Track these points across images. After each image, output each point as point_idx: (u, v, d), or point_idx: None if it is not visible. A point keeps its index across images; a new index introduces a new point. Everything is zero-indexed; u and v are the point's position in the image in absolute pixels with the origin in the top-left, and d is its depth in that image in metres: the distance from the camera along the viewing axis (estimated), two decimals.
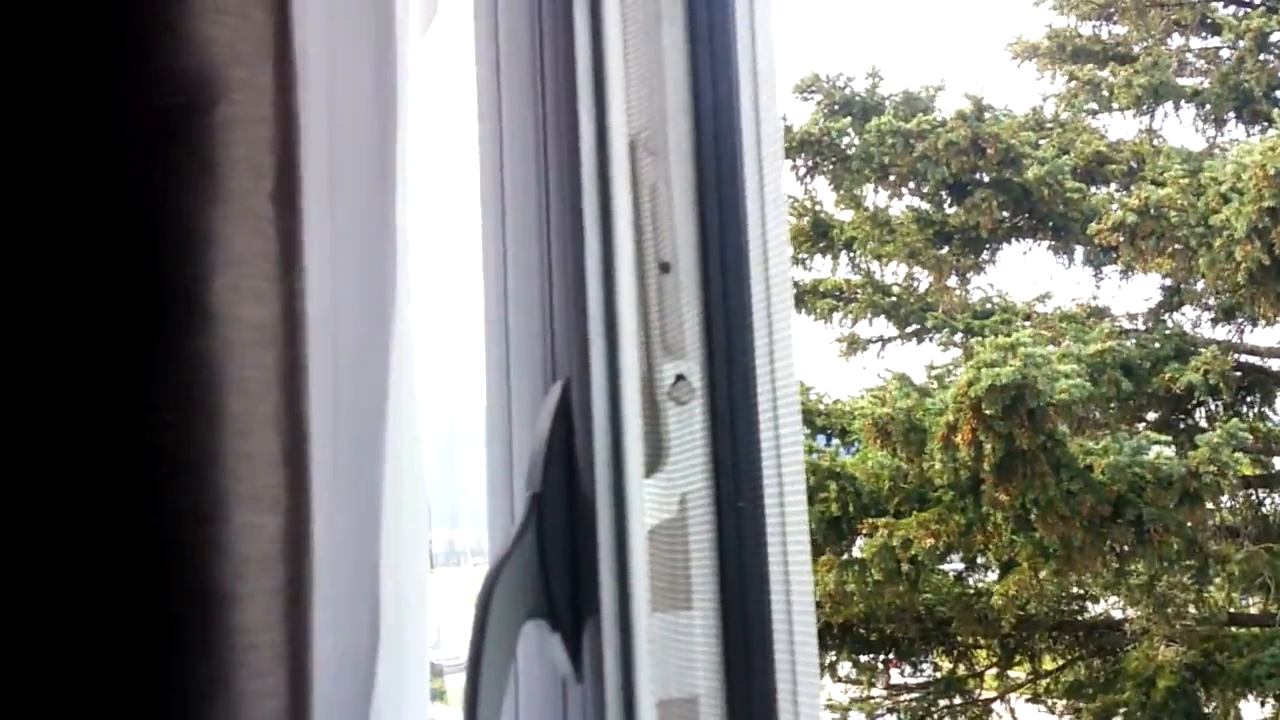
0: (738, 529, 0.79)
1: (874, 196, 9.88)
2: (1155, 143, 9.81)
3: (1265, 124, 9.29)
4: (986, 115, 9.35)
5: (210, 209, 0.63)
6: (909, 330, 9.94)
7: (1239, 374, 9.17)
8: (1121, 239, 8.63)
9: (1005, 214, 9.44)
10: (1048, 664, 9.93)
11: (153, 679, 0.58)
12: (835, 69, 9.76)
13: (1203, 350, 8.72)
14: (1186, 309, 9.73)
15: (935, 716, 9.99)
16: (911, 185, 9.58)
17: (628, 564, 0.75)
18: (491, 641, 0.72)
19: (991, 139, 9.05)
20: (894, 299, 9.92)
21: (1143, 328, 9.56)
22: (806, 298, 9.90)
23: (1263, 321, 9.09)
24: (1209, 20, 10.14)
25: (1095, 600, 9.85)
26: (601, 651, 0.75)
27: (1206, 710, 8.73)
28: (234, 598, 0.60)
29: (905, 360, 11.43)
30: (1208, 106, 9.88)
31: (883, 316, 9.99)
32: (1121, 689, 8.91)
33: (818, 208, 10.10)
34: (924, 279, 10.09)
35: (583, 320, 0.79)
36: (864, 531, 8.48)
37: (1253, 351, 9.51)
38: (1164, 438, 8.18)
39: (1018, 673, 10.07)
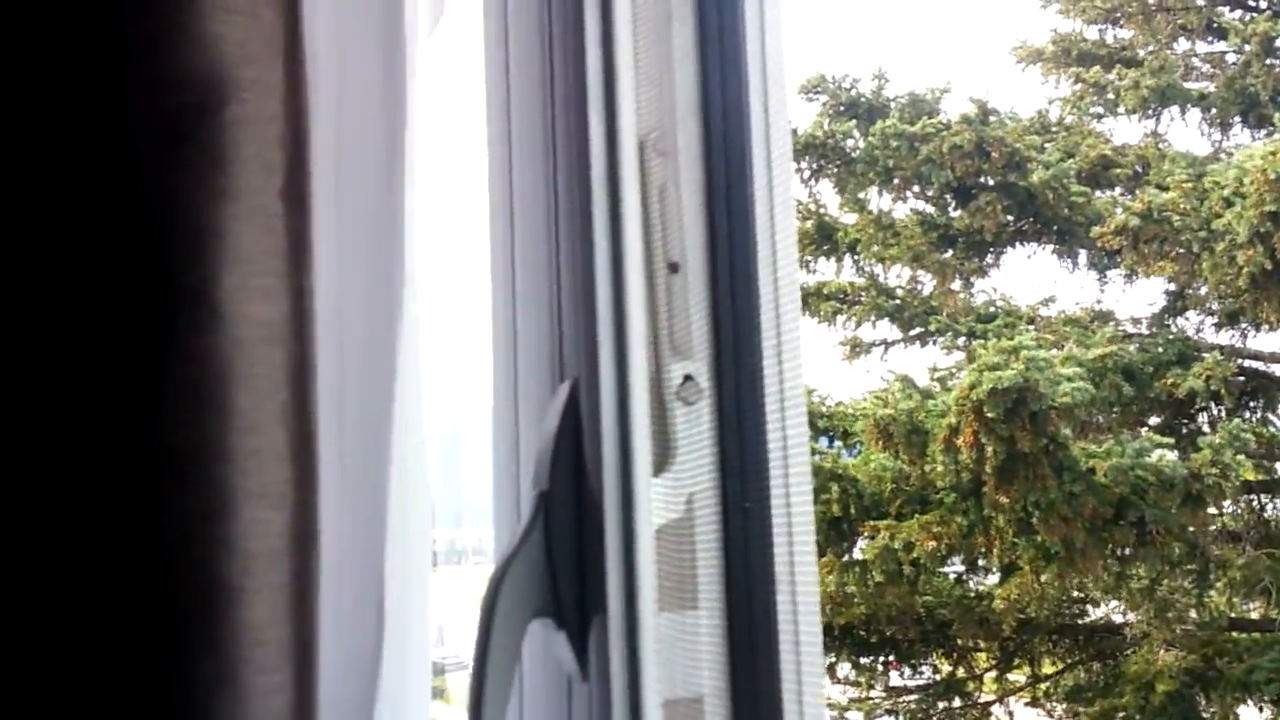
0: (744, 529, 0.79)
1: (878, 199, 9.89)
2: (1160, 147, 9.80)
3: (1271, 128, 9.28)
4: (991, 119, 9.34)
5: (220, 207, 0.63)
6: (912, 333, 9.94)
7: (1242, 379, 9.17)
8: (1124, 243, 8.63)
9: (1010, 218, 9.44)
10: (1047, 667, 9.92)
11: (160, 674, 0.58)
12: (840, 70, 9.77)
13: (1205, 355, 8.71)
14: (1190, 313, 9.72)
15: (934, 719, 9.99)
16: (916, 188, 9.58)
17: (634, 563, 0.75)
18: (497, 640, 0.72)
19: (996, 142, 9.05)
20: (897, 302, 9.92)
21: (1146, 332, 9.55)
22: (810, 300, 9.90)
23: (1266, 326, 9.07)
24: (1215, 24, 10.14)
25: (1096, 604, 9.84)
26: (607, 650, 0.75)
27: (1205, 715, 8.72)
28: (241, 593, 0.60)
29: (908, 363, 11.42)
30: (1213, 110, 9.88)
31: (886, 319, 9.99)
32: (1121, 693, 8.91)
33: (822, 210, 10.09)
34: (928, 282, 10.09)
35: (591, 320, 0.79)
36: (865, 533, 8.48)
37: (1256, 356, 9.50)
38: (1167, 440, 8.17)
39: (1017, 676, 10.06)
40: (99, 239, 0.61)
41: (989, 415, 7.40)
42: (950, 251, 9.79)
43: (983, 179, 9.30)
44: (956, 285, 9.93)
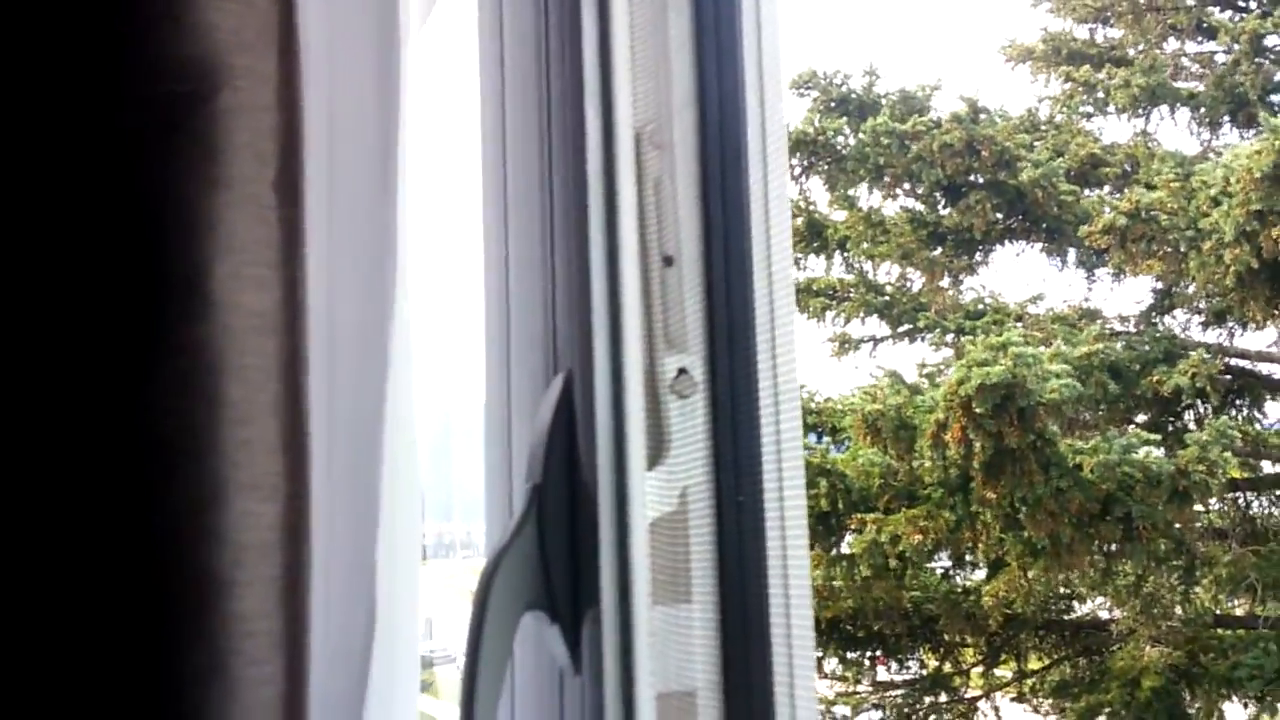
0: (738, 523, 0.79)
1: (868, 197, 9.90)
2: (1149, 146, 9.83)
3: (1260, 127, 9.31)
4: (982, 117, 9.36)
5: (212, 196, 0.63)
6: (901, 330, 9.96)
7: (1228, 377, 9.20)
8: (1112, 242, 8.65)
9: (999, 216, 9.46)
10: (1034, 663, 9.96)
11: (150, 665, 0.58)
12: (831, 66, 9.78)
13: (1191, 353, 8.74)
14: (1177, 312, 9.76)
15: (921, 714, 10.02)
16: (906, 186, 9.60)
17: (628, 556, 0.74)
18: (490, 633, 0.72)
19: (986, 141, 9.07)
20: (887, 299, 9.94)
21: (1133, 330, 9.59)
22: (800, 296, 9.91)
23: (1252, 325, 9.11)
24: (1205, 24, 10.17)
25: (1082, 600, 9.88)
26: (601, 644, 0.75)
27: (1190, 711, 8.76)
28: (232, 585, 0.60)
29: (897, 360, 11.45)
30: (1203, 110, 9.91)
31: (875, 316, 10.01)
32: (1106, 689, 8.95)
33: (812, 207, 10.10)
34: (917, 279, 10.11)
35: (586, 313, 0.79)
36: (853, 527, 8.50)
37: (1242, 355, 9.54)
38: (1154, 437, 8.20)
39: (1004, 671, 10.10)
40: (90, 227, 0.60)
41: (977, 411, 7.41)
42: (940, 249, 9.81)
43: (972, 177, 9.32)
44: (945, 283, 9.96)
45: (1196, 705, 8.76)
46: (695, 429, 0.80)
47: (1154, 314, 9.76)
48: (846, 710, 9.97)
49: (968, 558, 9.31)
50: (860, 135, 9.32)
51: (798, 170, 9.80)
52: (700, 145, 0.83)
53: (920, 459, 8.16)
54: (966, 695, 10.10)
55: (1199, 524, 8.65)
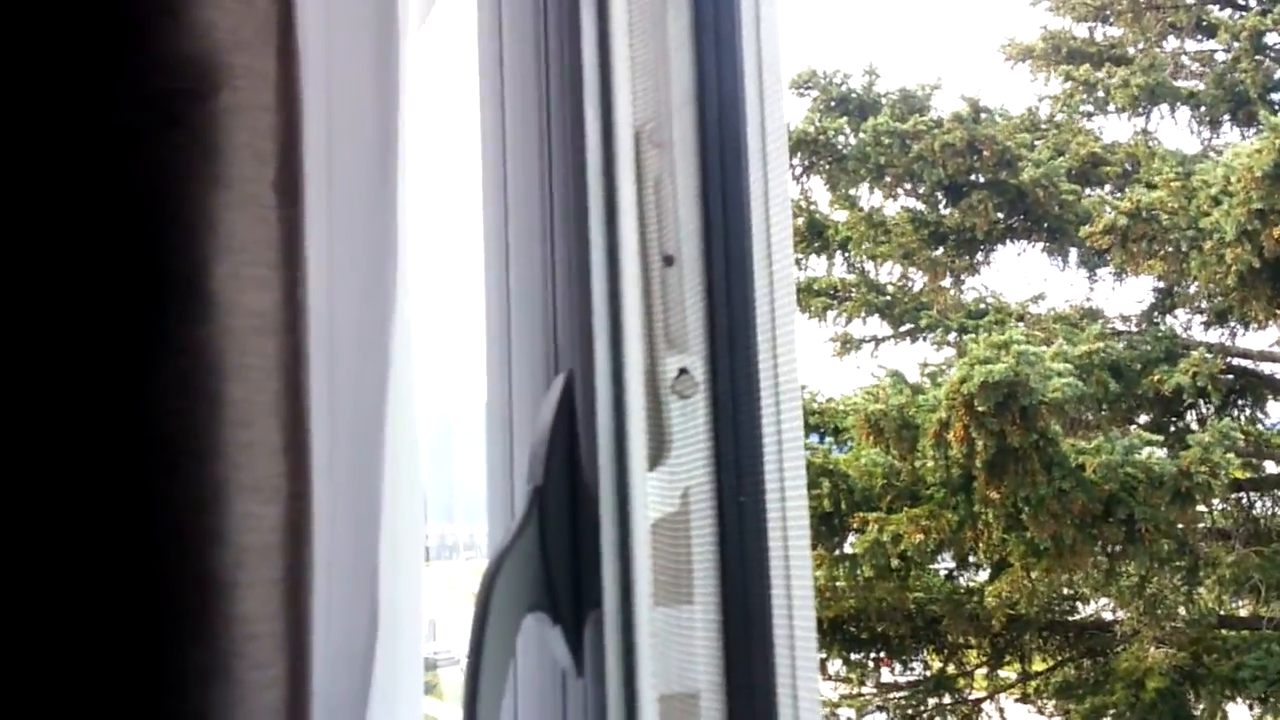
0: (739, 523, 0.78)
1: (869, 196, 9.90)
2: (1150, 145, 9.83)
3: (1260, 125, 9.30)
4: (983, 117, 9.36)
5: (212, 195, 0.63)
6: (902, 330, 9.95)
7: (1230, 377, 9.19)
8: (1113, 241, 8.65)
9: (1000, 215, 9.46)
10: (1038, 664, 9.95)
11: (151, 667, 0.58)
12: (832, 66, 9.78)
13: (1192, 352, 8.73)
14: (1179, 311, 9.75)
15: (925, 715, 10.01)
16: (907, 186, 9.59)
17: (630, 558, 0.74)
18: (492, 634, 0.71)
19: (988, 141, 9.06)
20: (888, 298, 9.94)
21: (1135, 330, 9.58)
22: (801, 296, 9.90)
23: (1254, 325, 9.11)
24: (1205, 22, 10.16)
25: (1086, 601, 9.87)
26: (603, 645, 0.74)
27: (1194, 712, 8.75)
28: (234, 587, 0.59)
29: (898, 360, 11.44)
30: (1203, 108, 9.90)
31: (876, 316, 10.00)
32: (1111, 690, 8.94)
33: (813, 207, 10.10)
34: (918, 279, 10.11)
35: (586, 313, 0.78)
36: (855, 527, 8.49)
37: (1244, 354, 9.53)
38: (1156, 438, 8.19)
39: (1008, 672, 10.09)
40: (90, 227, 0.60)
41: (979, 409, 7.41)
42: (941, 249, 9.80)
43: (974, 177, 9.31)
44: (947, 282, 9.95)
45: (1200, 707, 8.75)
46: (696, 429, 0.79)
47: (1155, 313, 9.76)
48: (851, 713, 9.96)
49: (971, 558, 9.30)
50: (861, 135, 9.31)
51: (799, 170, 9.80)
52: (700, 144, 0.82)
53: (923, 459, 8.15)
54: (971, 697, 10.09)
55: (1202, 525, 8.64)
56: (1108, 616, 9.71)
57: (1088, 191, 9.63)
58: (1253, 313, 8.63)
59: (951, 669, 9.94)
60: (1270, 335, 9.40)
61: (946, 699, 9.98)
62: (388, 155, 0.85)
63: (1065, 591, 9.62)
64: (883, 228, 9.80)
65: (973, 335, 8.56)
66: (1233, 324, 9.50)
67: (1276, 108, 9.45)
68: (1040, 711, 10.00)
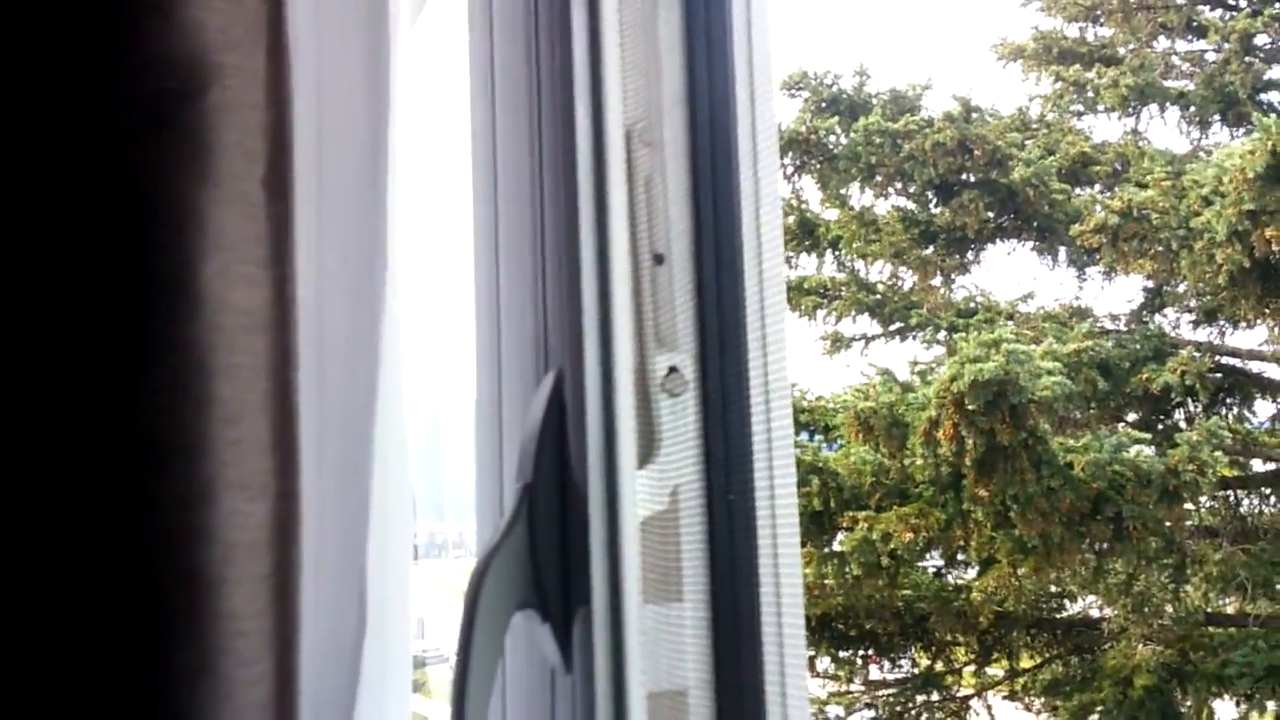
0: (729, 521, 0.78)
1: (860, 196, 9.91)
2: (1140, 144, 9.85)
3: (1249, 126, 9.31)
4: (973, 116, 9.37)
5: (201, 193, 0.63)
6: (892, 328, 9.97)
7: (1218, 376, 9.22)
8: (1104, 240, 8.67)
9: (991, 214, 9.47)
10: (1025, 661, 9.97)
11: (139, 664, 0.58)
12: (822, 66, 9.79)
13: (1180, 351, 8.76)
14: (1168, 310, 9.78)
15: (913, 713, 10.03)
16: (898, 185, 9.61)
17: (619, 555, 0.74)
18: (480, 632, 0.72)
19: (978, 140, 9.08)
20: (878, 297, 9.95)
21: (1124, 329, 9.60)
22: (791, 295, 9.91)
23: (1243, 324, 9.14)
24: (1195, 23, 10.19)
25: (1073, 598, 9.90)
26: (592, 643, 0.74)
27: (1182, 709, 8.78)
28: (221, 584, 0.59)
29: (888, 358, 11.46)
30: (1193, 109, 9.93)
31: (866, 314, 10.02)
32: (1098, 687, 8.96)
33: (804, 206, 10.11)
34: (908, 278, 10.12)
35: (576, 311, 0.78)
36: (844, 525, 8.50)
37: (1233, 353, 9.56)
38: (1144, 436, 8.22)
39: (995, 670, 10.11)
40: (78, 225, 0.60)
41: (969, 407, 7.42)
42: (931, 248, 9.82)
43: (964, 176, 9.33)
44: (937, 281, 9.97)
45: (1187, 703, 8.78)
46: (686, 427, 0.80)
47: (1144, 313, 9.78)
48: (840, 710, 9.97)
49: (959, 556, 9.32)
50: (852, 134, 9.33)
51: (790, 169, 9.80)
52: (691, 143, 0.82)
53: (912, 457, 8.16)
54: (959, 694, 10.11)
55: (1189, 523, 8.67)
56: (1095, 614, 9.73)
57: (1077, 191, 9.65)
58: (1242, 312, 8.66)
59: (940, 666, 9.96)
60: (1259, 334, 9.44)
61: (934, 696, 10.00)
62: (378, 154, 0.85)
63: (1053, 589, 9.65)
64: (873, 226, 9.81)
65: (963, 334, 8.57)
66: (1221, 323, 9.53)
67: (1267, 108, 9.48)
68: (1028, 709, 10.03)
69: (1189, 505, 8.34)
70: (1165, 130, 12.66)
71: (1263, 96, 9.83)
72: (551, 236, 0.86)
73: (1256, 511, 9.32)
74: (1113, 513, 7.76)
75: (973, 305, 9.71)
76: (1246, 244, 7.86)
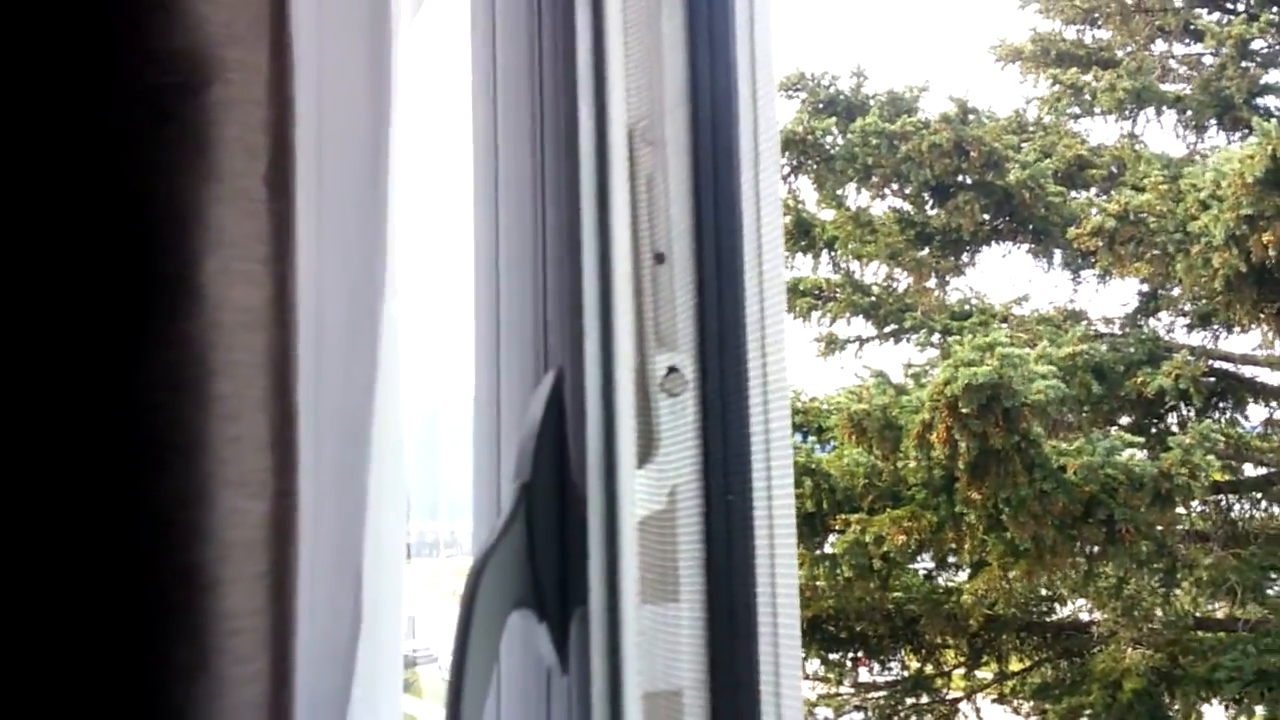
0: (726, 522, 0.78)
1: (856, 196, 9.92)
2: (1136, 148, 9.86)
3: (1246, 131, 9.33)
4: (970, 118, 9.38)
5: (202, 190, 0.62)
6: (887, 330, 9.97)
7: (1212, 380, 9.24)
8: (1100, 244, 8.68)
9: (986, 216, 9.48)
10: (1015, 664, 9.99)
11: (135, 662, 0.57)
12: (820, 67, 9.79)
13: (1174, 355, 8.77)
14: (1163, 314, 9.79)
15: (902, 715, 10.04)
16: (894, 186, 9.61)
17: (617, 555, 0.74)
18: (477, 630, 0.71)
19: (975, 142, 9.09)
20: (873, 299, 9.95)
21: (1118, 332, 9.62)
22: (787, 296, 9.89)
23: (1237, 329, 9.15)
24: (1192, 26, 10.20)
25: (1064, 601, 9.91)
26: (588, 643, 0.74)
27: (1171, 713, 8.80)
28: (218, 582, 0.59)
29: (882, 360, 11.46)
30: (1189, 112, 9.94)
31: (861, 316, 10.02)
32: (1088, 691, 8.98)
33: (800, 206, 10.11)
34: (903, 280, 10.13)
35: (577, 310, 0.78)
36: (837, 527, 8.51)
37: (1227, 358, 9.58)
38: (1137, 440, 8.23)
39: (985, 673, 10.13)
40: (79, 220, 0.60)
41: (963, 410, 7.43)
42: (927, 249, 9.83)
43: (961, 178, 9.34)
44: (932, 283, 9.97)
45: (1176, 708, 8.80)
46: (685, 427, 0.80)
47: (1139, 316, 9.80)
48: (829, 712, 9.98)
49: (950, 559, 9.33)
50: (849, 135, 9.33)
51: (787, 170, 9.80)
52: (693, 142, 0.82)
53: (905, 459, 8.17)
54: (948, 697, 10.12)
55: (1181, 527, 8.69)
56: (1085, 617, 9.75)
57: (1074, 194, 9.66)
58: (1236, 316, 8.67)
59: (929, 669, 9.97)
60: (1253, 339, 9.46)
61: (924, 699, 10.01)
62: (378, 152, 0.85)
63: (1043, 592, 9.66)
64: (869, 227, 9.82)
65: (957, 337, 8.58)
66: (1215, 327, 9.54)
67: (1263, 113, 9.49)
68: (1017, 712, 10.04)
69: (1181, 509, 8.35)
70: (1162, 134, 12.69)
71: (1259, 101, 9.84)
72: (552, 234, 0.86)
73: (1247, 516, 9.34)
74: (1105, 516, 7.77)
75: (967, 307, 9.72)
76: (1244, 249, 7.86)
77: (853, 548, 8.29)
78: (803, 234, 10.06)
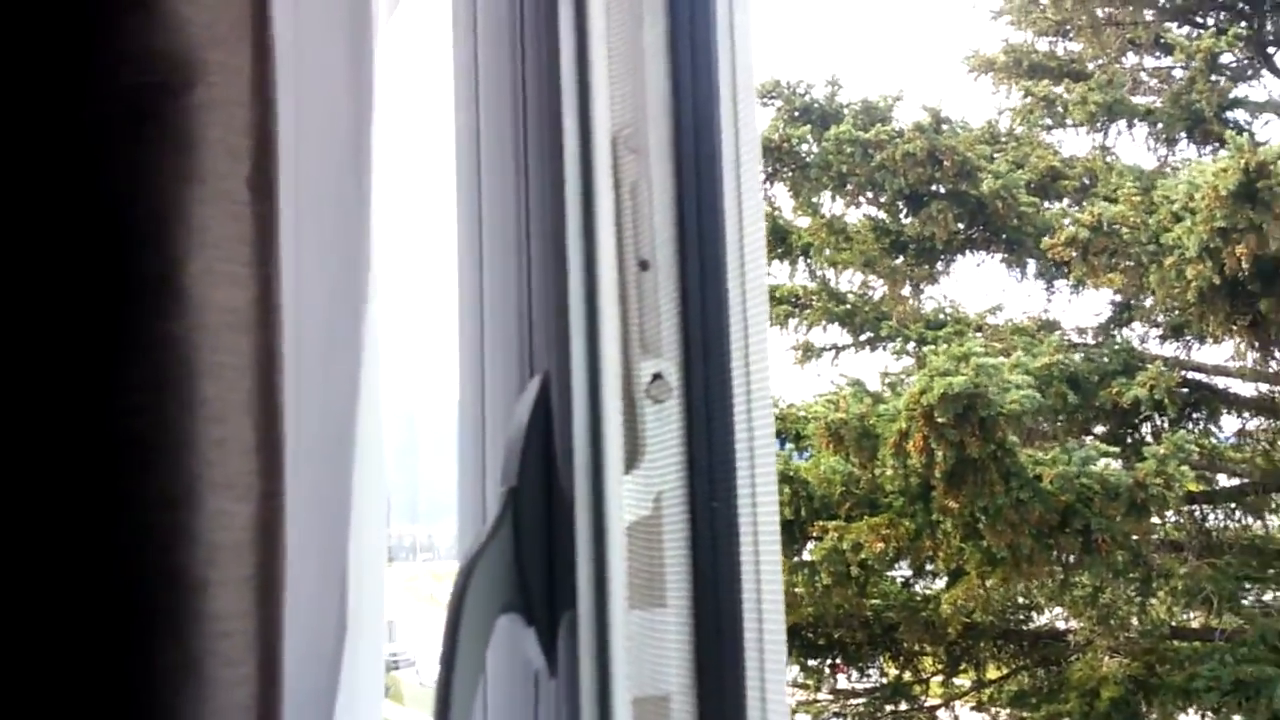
0: (711, 528, 0.78)
1: (831, 204, 9.95)
2: (1108, 160, 9.93)
3: (1216, 144, 9.42)
4: (944, 128, 9.43)
5: (185, 190, 0.62)
6: (862, 338, 10.01)
7: (1185, 391, 9.30)
8: (1074, 254, 8.73)
9: (960, 226, 9.53)
10: (992, 672, 10.02)
11: (122, 665, 0.57)
12: (795, 75, 9.84)
13: (1149, 366, 8.83)
14: (1136, 325, 9.86)
15: None
16: (869, 194, 9.65)
17: (605, 560, 0.74)
18: (465, 635, 0.71)
19: (948, 151, 9.13)
20: (849, 307, 9.99)
21: (1092, 342, 9.67)
22: None
23: (1210, 340, 9.21)
24: (1162, 40, 10.29)
25: (1040, 610, 9.95)
26: (576, 647, 0.74)
27: None
28: (205, 585, 0.59)
29: (859, 368, 11.50)
30: (1160, 125, 10.02)
31: (837, 324, 10.05)
32: (1065, 699, 9.01)
33: (776, 214, 10.14)
34: (879, 288, 10.17)
35: (563, 316, 0.78)
36: (815, 535, 8.52)
37: (1200, 369, 9.65)
38: (1112, 450, 8.27)
39: (963, 680, 10.15)
40: (62, 222, 0.60)
41: (939, 420, 7.45)
42: (901, 258, 9.87)
43: (934, 187, 9.38)
44: (906, 291, 10.02)
45: (1153, 716, 8.83)
46: (670, 434, 0.80)
47: (1112, 327, 9.86)
48: (808, 719, 9.98)
49: (928, 566, 9.35)
50: (824, 143, 9.37)
51: (763, 177, 9.83)
52: (675, 150, 0.82)
53: (882, 467, 8.19)
54: (926, 704, 10.15)
55: (1156, 536, 8.73)
56: (1062, 626, 9.79)
57: (1046, 204, 9.72)
58: (1209, 328, 8.73)
59: (907, 676, 9.99)
60: (1225, 350, 9.53)
61: (902, 706, 10.03)
62: (359, 153, 0.84)
63: (1020, 601, 9.70)
64: (844, 235, 9.85)
65: (932, 346, 8.61)
66: (1188, 338, 9.61)
67: (1233, 126, 9.58)
68: (994, 719, 10.07)
69: (1155, 519, 8.39)
70: (1133, 146, 12.78)
71: (1229, 114, 9.94)
72: (536, 240, 0.86)
73: (1222, 526, 9.40)
74: (1081, 525, 7.81)
75: (942, 316, 9.76)
76: (1217, 261, 7.92)
77: (831, 555, 8.31)
78: (779, 241, 10.08)
